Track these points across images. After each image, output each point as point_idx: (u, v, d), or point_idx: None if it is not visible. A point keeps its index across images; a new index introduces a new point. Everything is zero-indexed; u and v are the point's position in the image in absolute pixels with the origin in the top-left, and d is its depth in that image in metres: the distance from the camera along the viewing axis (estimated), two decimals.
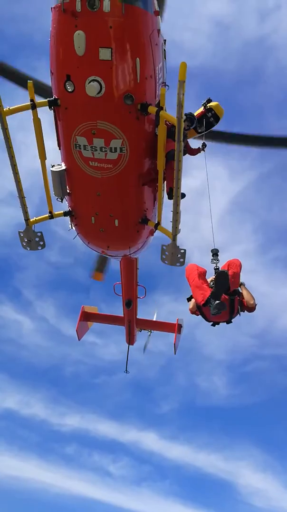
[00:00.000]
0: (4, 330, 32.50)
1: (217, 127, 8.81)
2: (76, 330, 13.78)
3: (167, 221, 7.85)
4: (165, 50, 7.29)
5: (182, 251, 7.74)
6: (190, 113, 8.19)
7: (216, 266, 7.94)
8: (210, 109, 8.63)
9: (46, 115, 7.37)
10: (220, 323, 8.27)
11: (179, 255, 7.79)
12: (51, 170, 7.58)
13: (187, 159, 8.35)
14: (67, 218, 8.67)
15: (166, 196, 7.90)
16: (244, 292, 8.07)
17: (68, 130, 6.95)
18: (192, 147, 8.61)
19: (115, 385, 32.22)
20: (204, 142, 8.53)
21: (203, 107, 8.66)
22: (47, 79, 7.27)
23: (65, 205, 8.47)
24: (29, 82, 6.79)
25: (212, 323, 8.31)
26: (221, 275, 7.54)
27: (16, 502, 31.02)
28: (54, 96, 6.80)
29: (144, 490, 31.62)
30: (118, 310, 13.90)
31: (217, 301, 7.38)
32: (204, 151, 8.52)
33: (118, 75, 6.28)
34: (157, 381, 32.75)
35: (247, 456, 32.11)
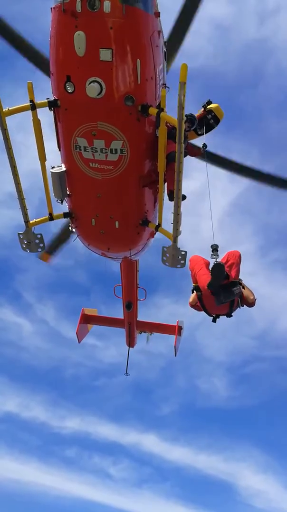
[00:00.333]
0: (4, 332, 32.44)
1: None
2: (76, 333, 13.72)
3: (167, 223, 7.84)
4: (165, 51, 7.27)
5: (183, 253, 7.70)
6: (191, 114, 8.17)
7: (216, 261, 7.91)
8: (210, 111, 8.61)
9: (46, 116, 7.37)
10: (220, 316, 8.21)
11: (180, 257, 7.75)
12: (51, 172, 7.54)
13: (187, 160, 8.33)
14: (67, 220, 8.63)
15: (166, 198, 7.88)
16: (242, 289, 8.03)
17: (69, 131, 6.92)
18: (192, 148, 8.58)
19: (116, 388, 32.15)
20: (204, 143, 8.50)
21: (203, 109, 8.64)
22: (46, 81, 7.26)
23: (65, 207, 8.44)
24: (29, 82, 6.75)
25: (212, 316, 8.25)
26: (216, 267, 7.50)
27: (17, 505, 30.92)
28: (54, 97, 6.77)
29: (144, 492, 31.54)
30: (118, 312, 13.85)
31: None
32: (204, 152, 8.49)
33: (119, 76, 6.26)
34: (157, 383, 32.69)
35: (247, 457, 32.05)
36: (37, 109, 6.82)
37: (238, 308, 8.11)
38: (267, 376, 33.06)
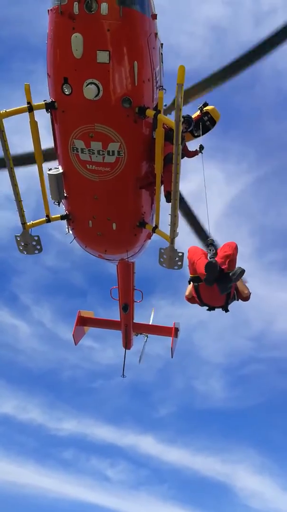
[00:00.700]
0: (1, 334, 32.34)
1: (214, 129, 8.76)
2: (73, 335, 13.72)
3: (164, 225, 7.85)
4: (162, 53, 7.29)
5: (180, 254, 7.72)
6: (187, 115, 8.21)
7: (212, 256, 7.94)
8: (206, 113, 8.67)
9: (43, 118, 7.36)
10: (215, 308, 8.21)
11: (177, 259, 7.76)
12: (48, 174, 7.53)
13: (183, 162, 8.36)
14: (64, 222, 8.62)
15: (163, 199, 7.89)
16: (238, 283, 8.04)
17: (66, 133, 6.92)
18: (189, 149, 8.62)
19: (113, 389, 32.15)
20: (201, 145, 8.54)
21: (199, 111, 8.69)
22: (43, 82, 7.27)
23: (62, 209, 8.43)
24: (26, 84, 6.74)
25: (207, 308, 8.25)
26: (208, 266, 7.48)
27: (14, 508, 30.75)
28: (51, 99, 6.77)
29: (142, 494, 31.49)
30: (115, 314, 13.85)
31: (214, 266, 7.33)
32: (201, 153, 8.53)
33: (116, 78, 6.27)
34: (154, 384, 32.75)
35: (244, 458, 32.14)
36: (34, 111, 6.82)
37: (234, 301, 8.13)
38: (264, 378, 33.23)
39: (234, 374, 33.20)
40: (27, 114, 6.85)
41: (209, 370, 33.11)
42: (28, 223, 7.82)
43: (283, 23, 7.57)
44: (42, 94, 7.45)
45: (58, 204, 8.10)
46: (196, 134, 8.73)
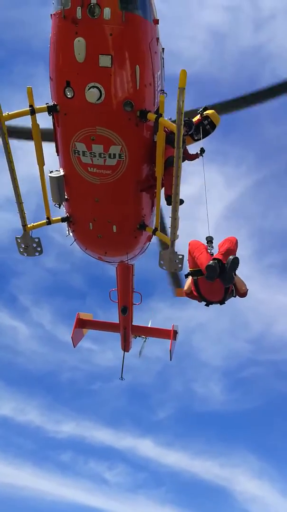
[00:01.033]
0: (0, 336, 32.28)
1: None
2: (72, 337, 13.71)
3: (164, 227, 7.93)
4: (163, 58, 7.37)
5: (180, 256, 7.78)
6: (188, 118, 8.27)
7: (211, 253, 7.99)
8: (207, 117, 8.71)
9: (45, 121, 7.42)
10: (213, 303, 8.23)
11: (177, 261, 7.82)
12: (50, 176, 7.58)
13: (183, 165, 8.42)
14: (65, 224, 8.66)
15: (163, 202, 7.94)
16: (236, 279, 8.08)
17: (67, 136, 6.97)
18: (189, 152, 8.68)
19: (112, 392, 32.08)
20: (202, 148, 8.61)
21: (199, 115, 8.75)
22: (44, 85, 7.32)
23: (62, 211, 8.47)
24: (28, 87, 6.80)
25: (205, 303, 8.28)
26: (209, 268, 7.51)
27: (11, 510, 30.59)
28: (53, 102, 6.82)
29: (140, 498, 31.35)
30: (114, 316, 13.87)
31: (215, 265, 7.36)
32: (202, 156, 8.60)
33: (118, 82, 6.33)
34: (153, 387, 32.66)
35: (243, 463, 32.00)
36: (36, 114, 6.87)
37: (232, 297, 8.16)
38: (263, 380, 33.22)
39: (233, 377, 33.22)
40: (28, 117, 6.91)
41: (208, 372, 33.13)
42: (28, 225, 7.86)
43: None
44: (43, 97, 7.53)
45: (59, 207, 8.14)
46: (196, 138, 8.78)
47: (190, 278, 8.20)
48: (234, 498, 30.72)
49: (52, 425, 31.85)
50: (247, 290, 8.18)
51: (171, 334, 14.25)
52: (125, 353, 14.79)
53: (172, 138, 7.01)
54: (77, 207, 8.12)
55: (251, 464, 31.52)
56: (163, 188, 7.79)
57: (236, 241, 7.89)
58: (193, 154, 8.66)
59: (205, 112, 8.68)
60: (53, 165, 7.89)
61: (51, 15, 6.28)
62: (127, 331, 14.06)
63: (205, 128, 8.68)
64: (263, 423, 32.74)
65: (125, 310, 13.15)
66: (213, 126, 8.72)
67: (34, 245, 8.10)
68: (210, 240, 8.15)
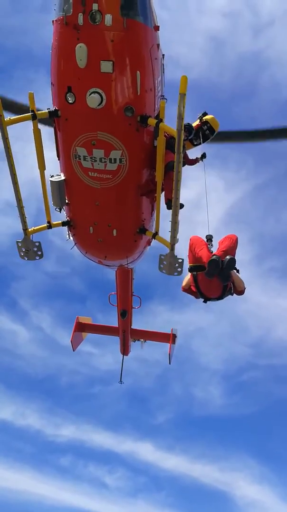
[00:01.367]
0: (0, 340, 32.22)
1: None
2: (71, 341, 13.75)
3: (164, 231, 7.95)
4: (163, 64, 7.43)
5: (180, 260, 7.82)
6: (188, 123, 8.35)
7: (211, 251, 8.04)
8: (206, 122, 8.79)
9: (45, 126, 7.45)
10: (212, 299, 8.27)
11: (177, 265, 7.86)
12: (50, 180, 7.62)
13: (183, 170, 8.48)
14: (65, 228, 8.69)
15: (162, 206, 7.98)
16: (234, 277, 8.12)
17: (68, 141, 7.02)
18: (189, 157, 8.75)
19: (111, 395, 31.97)
20: (204, 153, 8.67)
21: (198, 120, 8.83)
22: (45, 90, 7.37)
23: (63, 215, 8.50)
24: (30, 92, 6.86)
25: (203, 299, 8.31)
26: (212, 263, 7.54)
27: None
28: (55, 107, 6.88)
29: (139, 502, 31.19)
30: (114, 320, 13.88)
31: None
32: (202, 161, 8.66)
33: (119, 87, 6.39)
34: (153, 391, 32.60)
35: (243, 467, 31.87)
36: (37, 119, 6.93)
37: (229, 294, 8.20)
38: (262, 385, 33.17)
39: (233, 381, 33.14)
40: (29, 121, 6.96)
41: (208, 376, 33.05)
42: (29, 229, 7.90)
43: None
44: (44, 102, 7.58)
45: (60, 211, 8.18)
46: (195, 143, 8.85)
47: (189, 274, 8.24)
48: (234, 502, 30.65)
49: (51, 429, 31.79)
50: (245, 288, 8.24)
51: (170, 338, 14.27)
52: (124, 357, 14.79)
53: (172, 143, 7.07)
54: (77, 211, 8.16)
55: (251, 469, 31.43)
56: (163, 193, 7.85)
57: (236, 239, 7.95)
58: (192, 159, 8.72)
59: (204, 117, 8.76)
60: (54, 170, 7.97)
61: (53, 21, 6.35)
62: (127, 335, 14.08)
63: (205, 133, 8.76)
64: (263, 428, 32.68)
65: (125, 314, 13.17)
66: (212, 131, 8.80)
67: (35, 249, 8.14)
68: (209, 238, 8.22)
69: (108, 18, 5.92)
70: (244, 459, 31.82)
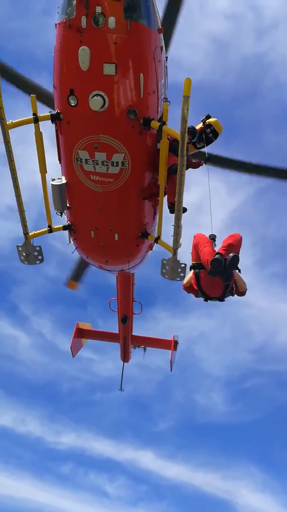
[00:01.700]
0: (0, 345, 32.02)
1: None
2: (71, 347, 13.59)
3: (166, 235, 7.87)
4: (166, 66, 7.39)
5: (182, 265, 7.73)
6: (191, 126, 8.29)
7: (214, 249, 7.95)
8: (209, 125, 8.74)
9: (47, 129, 7.40)
10: (213, 299, 8.16)
11: (179, 270, 7.77)
12: (52, 184, 7.55)
13: (186, 173, 8.41)
14: (66, 232, 8.60)
15: (165, 210, 7.91)
16: (236, 277, 8.03)
17: (70, 144, 6.96)
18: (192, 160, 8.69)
19: (112, 402, 31.68)
20: (208, 155, 8.60)
21: (202, 123, 8.77)
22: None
23: (64, 219, 8.42)
24: (32, 96, 6.81)
25: (204, 298, 8.20)
26: (214, 262, 7.46)
27: None
28: (57, 110, 6.82)
29: (140, 511, 30.80)
30: (116, 326, 13.75)
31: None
32: (206, 164, 8.59)
33: (122, 90, 6.35)
34: (154, 398, 32.30)
35: (245, 475, 31.49)
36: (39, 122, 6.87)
37: (231, 295, 8.11)
38: (265, 391, 32.88)
39: (235, 388, 32.82)
40: (30, 125, 6.91)
41: (210, 383, 32.74)
42: (30, 233, 7.82)
43: None
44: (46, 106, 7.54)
45: (61, 215, 8.09)
46: (198, 146, 8.80)
47: (191, 272, 8.15)
48: (236, 511, 30.29)
49: (52, 436, 31.52)
50: (246, 289, 8.16)
51: (171, 345, 14.13)
52: (125, 363, 14.64)
53: (175, 146, 7.02)
54: (79, 215, 8.08)
55: (253, 477, 31.06)
56: (166, 196, 7.77)
57: (240, 238, 7.89)
58: (195, 161, 8.66)
59: (207, 120, 8.70)
60: (55, 173, 7.90)
61: (55, 24, 6.31)
62: (127, 341, 13.93)
63: (208, 136, 8.70)
64: (266, 435, 32.29)
65: (126, 320, 13.05)
66: (215, 134, 8.75)
67: (35, 253, 8.05)
68: (213, 238, 8.16)
69: (111, 21, 5.89)
70: (246, 467, 31.50)
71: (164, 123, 6.71)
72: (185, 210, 7.29)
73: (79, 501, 30.40)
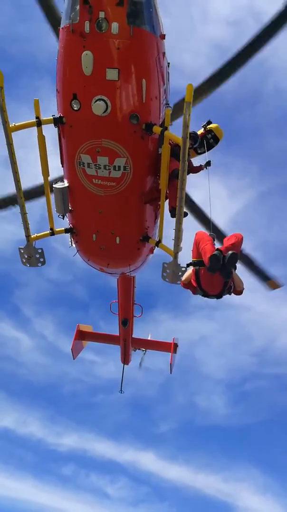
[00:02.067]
0: (2, 347, 32.08)
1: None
2: (71, 349, 13.62)
3: (168, 239, 7.91)
4: (168, 72, 7.44)
5: (183, 269, 7.76)
6: (193, 131, 8.34)
7: (215, 247, 7.97)
8: (210, 131, 8.80)
9: (49, 133, 7.45)
10: (211, 296, 8.18)
11: (180, 273, 7.81)
12: (54, 187, 7.59)
13: (187, 177, 8.45)
14: (68, 235, 8.64)
15: (166, 214, 7.95)
16: (234, 276, 8.04)
17: (73, 148, 7.00)
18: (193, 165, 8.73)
19: (113, 404, 31.82)
20: (209, 161, 8.65)
21: (203, 129, 8.83)
22: (49, 98, 7.37)
23: (65, 222, 8.46)
24: (35, 99, 6.85)
25: (202, 294, 8.21)
26: (213, 258, 7.48)
27: None
28: (59, 114, 6.87)
29: None
30: (117, 328, 13.78)
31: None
32: (206, 168, 8.64)
33: (124, 95, 6.39)
34: (156, 400, 32.36)
35: (246, 477, 31.51)
36: (42, 126, 6.92)
37: (228, 293, 8.13)
38: (266, 394, 32.88)
39: (236, 390, 32.90)
40: (33, 128, 6.95)
41: (211, 386, 32.82)
42: (32, 236, 7.86)
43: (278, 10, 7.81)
44: (49, 109, 7.58)
45: (63, 218, 8.14)
46: (199, 152, 8.85)
47: (191, 269, 8.18)
48: None
49: (53, 437, 31.60)
50: (244, 289, 8.18)
51: (171, 347, 14.15)
52: (125, 366, 14.67)
53: (177, 151, 7.06)
54: (81, 218, 8.12)
55: (254, 479, 31.05)
56: (167, 200, 7.81)
57: (242, 237, 7.92)
58: (196, 166, 8.71)
59: (208, 126, 8.76)
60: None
61: (59, 28, 6.36)
62: (127, 344, 13.97)
63: (209, 141, 8.75)
64: (267, 437, 32.36)
65: (126, 323, 13.08)
66: (216, 140, 8.81)
67: (37, 256, 8.10)
68: (213, 238, 8.19)
69: (114, 26, 5.94)
70: (247, 469, 31.50)
71: (166, 128, 6.75)
72: (185, 214, 7.33)
73: (81, 502, 30.49)
